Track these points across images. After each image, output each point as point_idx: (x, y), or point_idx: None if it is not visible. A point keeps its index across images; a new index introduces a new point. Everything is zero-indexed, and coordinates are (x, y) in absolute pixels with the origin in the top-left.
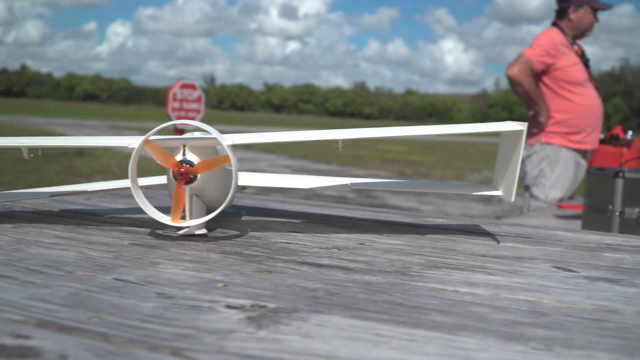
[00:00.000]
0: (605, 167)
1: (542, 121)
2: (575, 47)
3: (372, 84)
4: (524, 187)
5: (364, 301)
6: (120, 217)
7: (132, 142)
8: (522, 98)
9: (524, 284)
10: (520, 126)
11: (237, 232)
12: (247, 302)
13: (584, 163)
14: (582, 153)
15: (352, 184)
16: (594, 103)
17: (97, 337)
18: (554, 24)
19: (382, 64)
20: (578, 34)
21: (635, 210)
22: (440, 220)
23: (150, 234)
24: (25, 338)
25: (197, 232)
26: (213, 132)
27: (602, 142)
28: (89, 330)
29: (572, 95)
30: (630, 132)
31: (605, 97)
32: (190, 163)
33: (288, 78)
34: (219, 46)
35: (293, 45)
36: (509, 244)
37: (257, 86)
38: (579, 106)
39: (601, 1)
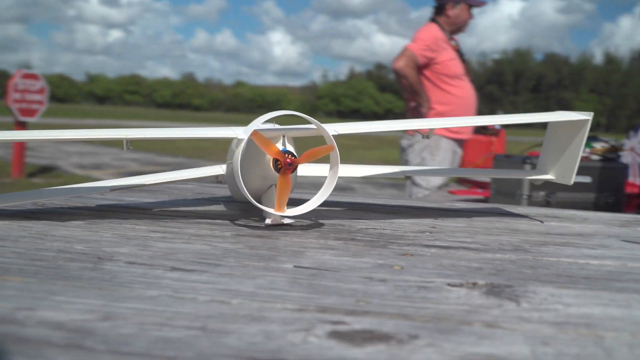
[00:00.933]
0: (511, 154)
1: (424, 112)
2: (453, 42)
3: (201, 75)
4: (405, 176)
5: (540, 274)
6: (175, 210)
7: (239, 132)
8: (407, 90)
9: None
10: (586, 116)
11: (310, 222)
12: (455, 281)
13: (460, 152)
14: (459, 142)
15: (403, 171)
16: (470, 95)
17: (396, 317)
18: (433, 19)
19: (211, 55)
20: (454, 30)
21: (540, 194)
22: (458, 204)
23: (231, 225)
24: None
25: (285, 222)
26: (315, 122)
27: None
28: (374, 312)
29: (451, 88)
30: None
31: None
32: (292, 153)
33: (112, 68)
34: (34, 33)
35: (116, 34)
36: (553, 223)
37: (79, 76)
38: (457, 98)
39: None
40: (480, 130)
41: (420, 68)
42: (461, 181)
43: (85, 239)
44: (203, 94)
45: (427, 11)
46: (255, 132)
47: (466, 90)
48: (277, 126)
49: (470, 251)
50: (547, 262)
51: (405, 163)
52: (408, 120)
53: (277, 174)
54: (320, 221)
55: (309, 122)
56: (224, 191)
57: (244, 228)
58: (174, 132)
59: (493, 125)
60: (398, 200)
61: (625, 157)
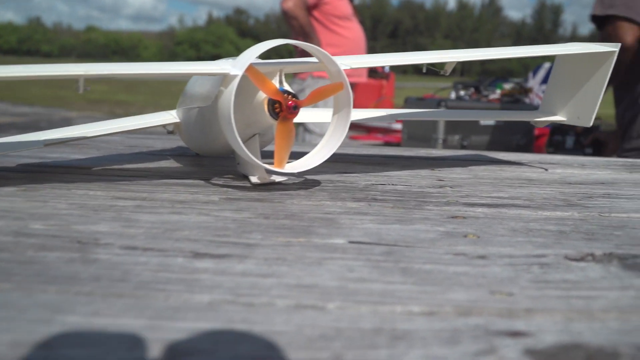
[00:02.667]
0: (425, 97)
1: None
2: None
3: (48, 20)
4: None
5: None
6: (123, 169)
7: (229, 67)
8: (298, 31)
9: None
10: (613, 47)
11: (298, 179)
12: (567, 252)
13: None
14: (351, 86)
15: (392, 115)
16: (359, 37)
17: (578, 317)
18: None
19: None
20: None
21: (455, 137)
22: (438, 152)
23: (210, 186)
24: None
25: (277, 180)
26: (321, 53)
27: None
28: (539, 310)
29: (340, 29)
30: (387, 66)
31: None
32: (291, 93)
33: None
34: None
35: None
36: (559, 170)
37: None
38: (348, 40)
39: None
40: (370, 73)
41: (309, 9)
42: (352, 126)
43: (39, 213)
44: (52, 40)
45: None
46: (250, 67)
47: (355, 32)
48: (262, 61)
49: (523, 209)
50: (621, 220)
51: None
52: (432, 53)
53: (271, 121)
54: (309, 177)
55: (309, 55)
56: (162, 142)
57: (230, 189)
58: (150, 67)
59: (383, 69)
60: (360, 148)
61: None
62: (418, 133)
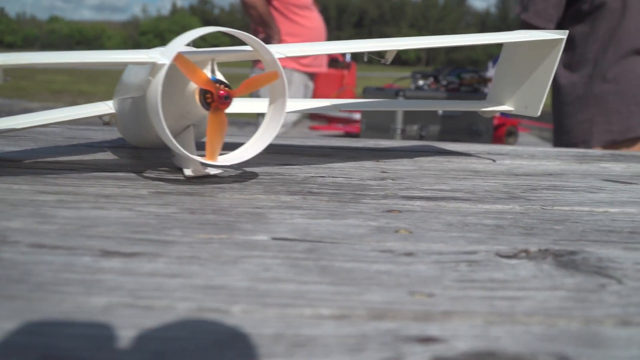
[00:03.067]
0: (382, 87)
1: (274, 44)
2: None
3: (12, 10)
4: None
5: (578, 231)
6: (54, 162)
7: (157, 56)
8: (256, 21)
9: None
10: (560, 35)
11: (236, 170)
12: (500, 248)
13: (311, 85)
14: (311, 76)
15: (335, 105)
16: (319, 26)
17: (499, 321)
18: None
19: None
20: None
21: (414, 127)
22: (387, 143)
23: (140, 179)
24: None
25: (212, 172)
26: (255, 41)
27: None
28: (456, 313)
29: (300, 18)
30: (348, 55)
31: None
32: (224, 83)
33: None
34: None
35: None
36: (507, 161)
37: None
38: (307, 29)
39: None
40: (331, 63)
41: None
42: (313, 116)
43: None
44: (15, 30)
45: None
46: (179, 56)
47: (315, 21)
48: (194, 49)
49: (462, 202)
50: (564, 213)
51: (256, 96)
52: (366, 41)
53: (203, 111)
54: (248, 169)
55: (242, 43)
56: (102, 133)
57: (161, 183)
58: (74, 56)
59: (344, 58)
60: (307, 139)
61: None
62: (376, 123)
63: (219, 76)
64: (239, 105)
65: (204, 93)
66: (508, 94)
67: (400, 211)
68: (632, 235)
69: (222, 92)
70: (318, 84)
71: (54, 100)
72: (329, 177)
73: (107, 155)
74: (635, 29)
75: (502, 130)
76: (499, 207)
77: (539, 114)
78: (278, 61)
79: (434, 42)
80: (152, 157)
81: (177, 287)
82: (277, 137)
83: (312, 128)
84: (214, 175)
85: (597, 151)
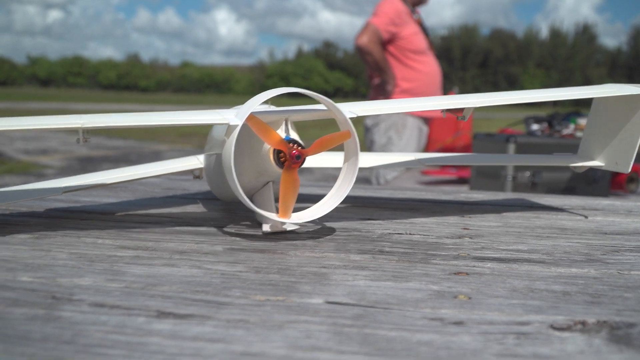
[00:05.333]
0: (494, 133)
1: (389, 89)
2: (415, 16)
3: (146, 56)
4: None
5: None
6: (145, 215)
7: (230, 117)
8: (372, 67)
9: None
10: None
11: (316, 225)
12: (556, 319)
13: (425, 129)
14: (426, 120)
15: (419, 160)
16: (435, 71)
17: None
18: None
19: (155, 35)
20: (416, 2)
21: (525, 175)
22: (479, 195)
23: (220, 234)
24: None
25: (289, 228)
26: (326, 101)
27: None
28: None
29: (415, 63)
30: None
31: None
32: (297, 142)
33: (53, 50)
34: None
35: (55, 14)
36: (599, 218)
37: (20, 59)
38: (422, 74)
39: None
40: None
41: (384, 43)
42: None
43: (34, 264)
44: (149, 75)
45: None
46: (252, 117)
47: (431, 66)
48: (273, 108)
49: (536, 265)
50: (639, 279)
51: (371, 143)
52: (439, 98)
53: (278, 169)
54: (327, 224)
55: (315, 102)
56: (198, 185)
57: (238, 239)
58: (150, 117)
59: None
60: (397, 191)
61: None
62: (487, 170)
63: (293, 135)
64: (314, 160)
65: (277, 152)
66: (599, 149)
67: (467, 274)
68: None
69: (294, 152)
70: (433, 129)
71: (183, 143)
72: (406, 234)
73: (196, 208)
74: None
75: (622, 177)
76: (573, 270)
77: (629, 170)
78: (350, 121)
79: (514, 98)
80: (239, 210)
81: (215, 353)
82: (371, 187)
83: (425, 173)
84: (291, 231)
85: None
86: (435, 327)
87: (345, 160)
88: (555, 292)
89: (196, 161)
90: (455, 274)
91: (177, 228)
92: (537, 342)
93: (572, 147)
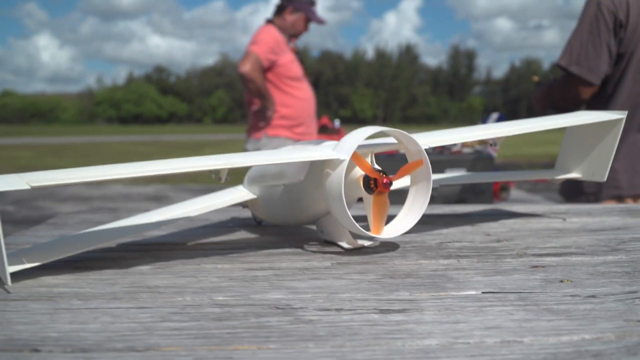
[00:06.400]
0: (392, 153)
1: (269, 115)
2: (291, 44)
3: None
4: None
5: None
6: (240, 241)
7: (332, 153)
8: (254, 93)
9: None
10: (620, 115)
11: (376, 243)
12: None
13: None
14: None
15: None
16: (310, 97)
17: None
18: (270, 20)
19: None
20: (293, 34)
21: None
22: (457, 208)
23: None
24: None
25: (366, 244)
26: (403, 136)
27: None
28: None
29: (293, 90)
30: (337, 121)
31: (209, 90)
32: (383, 171)
33: None
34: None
35: None
36: (575, 219)
37: None
38: (299, 100)
39: (317, 15)
40: (321, 129)
41: (264, 71)
42: None
43: (194, 288)
44: None
45: (201, 11)
46: (354, 152)
47: (306, 92)
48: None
49: (581, 256)
50: None
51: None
52: (488, 126)
53: (367, 194)
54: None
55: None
56: (220, 215)
57: (333, 255)
58: (266, 156)
59: (333, 124)
60: None
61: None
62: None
63: (377, 166)
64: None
65: (367, 180)
66: (575, 164)
67: (543, 266)
68: None
69: (385, 179)
70: None
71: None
72: (453, 241)
73: (249, 234)
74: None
75: (496, 187)
76: (609, 257)
77: (605, 179)
78: (424, 151)
79: (505, 130)
80: (284, 232)
81: (472, 330)
82: None
83: None
84: (367, 247)
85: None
86: (576, 300)
87: (414, 183)
88: (618, 272)
89: (244, 193)
90: (534, 267)
91: (269, 250)
92: None
93: (463, 162)
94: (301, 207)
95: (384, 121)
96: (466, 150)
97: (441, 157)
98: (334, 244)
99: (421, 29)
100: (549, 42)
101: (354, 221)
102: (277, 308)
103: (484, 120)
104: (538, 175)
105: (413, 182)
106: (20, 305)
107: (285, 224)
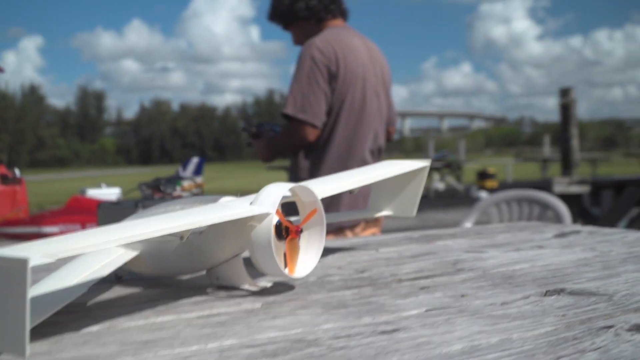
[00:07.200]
0: (119, 200)
1: None
2: None
3: None
4: None
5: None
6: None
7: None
8: None
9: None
10: (425, 163)
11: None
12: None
13: None
14: None
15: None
16: None
17: None
18: None
19: None
20: None
21: None
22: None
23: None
24: None
25: (268, 285)
26: (303, 188)
27: None
28: None
29: None
30: (17, 170)
31: None
32: (291, 222)
33: None
34: None
35: None
36: (384, 249)
37: None
38: None
39: None
40: (2, 180)
41: None
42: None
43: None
44: None
45: None
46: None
47: None
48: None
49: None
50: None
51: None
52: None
53: (278, 241)
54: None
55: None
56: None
57: (266, 296)
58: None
59: (13, 174)
60: None
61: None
62: None
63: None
64: None
65: (279, 228)
66: (386, 203)
67: (430, 286)
68: None
69: (297, 227)
70: None
71: None
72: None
73: (143, 289)
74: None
75: None
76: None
77: (414, 214)
78: (319, 200)
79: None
80: (183, 284)
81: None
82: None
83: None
84: (268, 287)
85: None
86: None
87: (308, 228)
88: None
89: (121, 252)
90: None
91: (192, 299)
92: None
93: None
94: (201, 258)
95: (9, 166)
96: (185, 194)
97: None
98: (230, 288)
99: (45, 69)
100: (175, 84)
101: (280, 266)
102: (300, 341)
103: (185, 164)
104: (356, 215)
105: (307, 227)
106: None
107: (170, 275)
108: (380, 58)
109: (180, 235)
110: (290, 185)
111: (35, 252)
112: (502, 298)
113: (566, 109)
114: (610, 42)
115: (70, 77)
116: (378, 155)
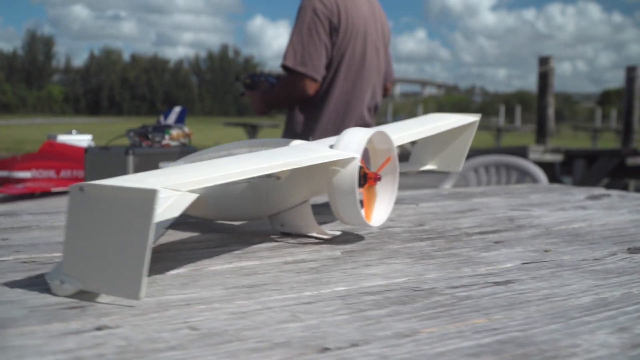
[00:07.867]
0: (108, 146)
1: None
2: None
3: None
4: None
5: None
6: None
7: (346, 152)
8: None
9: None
10: (477, 117)
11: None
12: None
13: None
14: None
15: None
16: None
17: None
18: None
19: None
20: None
21: None
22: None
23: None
24: None
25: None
26: (382, 134)
27: None
28: None
29: None
30: None
31: None
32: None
33: None
34: None
35: None
36: (424, 204)
37: None
38: None
39: None
40: None
41: None
42: None
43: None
44: None
45: None
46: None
47: None
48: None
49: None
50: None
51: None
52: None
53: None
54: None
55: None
56: None
57: (331, 244)
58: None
59: None
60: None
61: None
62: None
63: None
64: None
65: (364, 175)
66: (430, 157)
67: (503, 241)
68: None
69: (375, 174)
70: None
71: None
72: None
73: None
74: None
75: None
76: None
77: (460, 169)
78: (395, 148)
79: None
80: (240, 230)
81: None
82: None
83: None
84: (337, 236)
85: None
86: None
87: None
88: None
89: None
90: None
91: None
92: None
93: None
94: (269, 203)
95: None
96: (173, 143)
97: (154, 151)
98: (295, 235)
99: None
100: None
101: (361, 214)
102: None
103: (166, 114)
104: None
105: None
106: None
107: (231, 220)
108: (380, 13)
109: (277, 176)
110: (373, 130)
111: (158, 185)
112: (587, 254)
113: (544, 77)
114: (563, 17)
115: (17, 20)
116: (374, 111)
